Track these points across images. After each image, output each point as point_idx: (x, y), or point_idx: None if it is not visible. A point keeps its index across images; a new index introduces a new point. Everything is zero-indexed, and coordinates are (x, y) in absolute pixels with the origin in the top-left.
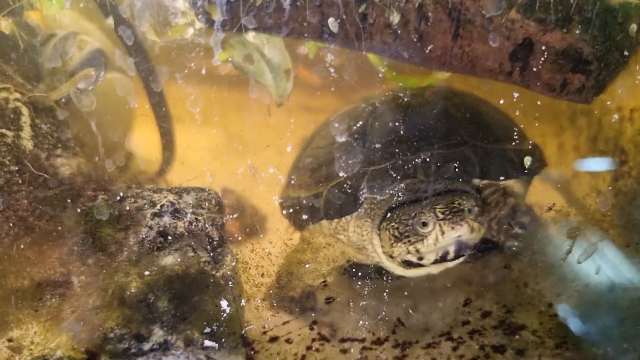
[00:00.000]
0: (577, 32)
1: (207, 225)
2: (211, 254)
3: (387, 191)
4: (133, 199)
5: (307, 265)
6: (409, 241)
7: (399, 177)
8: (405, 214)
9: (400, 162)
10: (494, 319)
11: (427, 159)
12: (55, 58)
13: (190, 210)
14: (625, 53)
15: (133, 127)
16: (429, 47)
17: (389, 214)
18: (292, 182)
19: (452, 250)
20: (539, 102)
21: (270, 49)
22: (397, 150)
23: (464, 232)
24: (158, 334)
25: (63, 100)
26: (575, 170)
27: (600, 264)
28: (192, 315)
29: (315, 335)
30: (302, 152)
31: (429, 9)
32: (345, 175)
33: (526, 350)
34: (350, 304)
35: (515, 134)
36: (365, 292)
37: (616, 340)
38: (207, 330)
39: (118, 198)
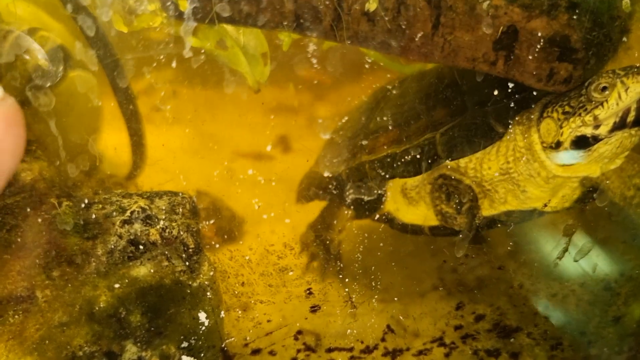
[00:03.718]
0: (564, 18)
1: (181, 232)
2: (187, 262)
3: None
4: (100, 206)
5: None
6: (585, 110)
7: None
8: (573, 91)
9: None
10: (487, 322)
11: None
12: (12, 56)
13: (163, 216)
14: (621, 39)
15: (101, 128)
16: (409, 37)
17: (547, 107)
18: (360, 149)
19: (633, 109)
20: None
21: (245, 33)
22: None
23: None
24: (131, 351)
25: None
26: None
27: (597, 262)
28: (167, 329)
29: (300, 345)
30: (366, 118)
31: None
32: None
33: (521, 354)
34: (337, 311)
35: None
36: (354, 298)
37: (612, 340)
38: (185, 344)
39: (84, 205)
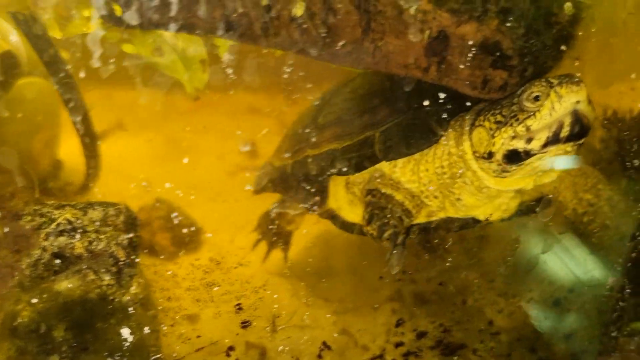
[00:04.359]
0: (494, 24)
1: (111, 245)
2: (116, 276)
3: None
4: (30, 217)
5: None
6: (517, 120)
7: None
8: (507, 99)
9: None
10: (430, 339)
11: None
12: None
13: (92, 228)
14: (563, 47)
15: (60, 135)
16: (339, 43)
17: (480, 114)
18: (307, 143)
19: (567, 123)
20: None
21: (183, 39)
22: None
23: (583, 97)
24: None
25: None
26: None
27: (568, 263)
28: (93, 344)
29: None
30: (315, 113)
31: (335, 0)
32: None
33: None
34: (267, 328)
35: None
36: (284, 314)
37: (563, 358)
38: None
39: (13, 216)
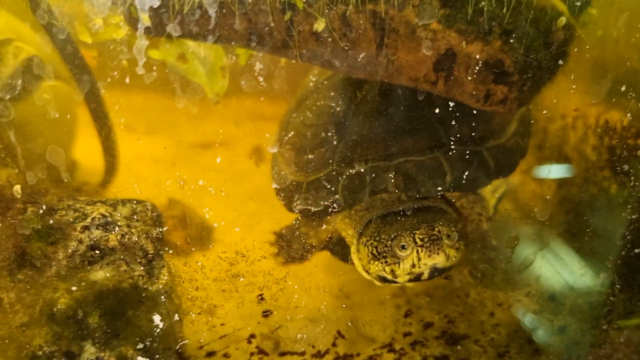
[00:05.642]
0: (498, 44)
1: (141, 238)
2: (145, 267)
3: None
4: (64, 212)
5: None
6: (386, 262)
7: (369, 184)
8: (385, 233)
9: (372, 169)
10: (435, 329)
11: (397, 167)
12: None
13: (124, 222)
14: (560, 62)
15: (77, 136)
16: (355, 56)
17: (368, 229)
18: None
19: (426, 273)
20: None
21: (204, 47)
22: (368, 154)
23: (441, 260)
24: (90, 351)
25: None
26: (521, 177)
27: (558, 269)
28: (125, 331)
29: (254, 349)
30: (291, 113)
31: (353, 17)
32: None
33: None
34: (288, 317)
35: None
36: (302, 304)
37: (559, 349)
38: (141, 346)
39: (43, 211)
